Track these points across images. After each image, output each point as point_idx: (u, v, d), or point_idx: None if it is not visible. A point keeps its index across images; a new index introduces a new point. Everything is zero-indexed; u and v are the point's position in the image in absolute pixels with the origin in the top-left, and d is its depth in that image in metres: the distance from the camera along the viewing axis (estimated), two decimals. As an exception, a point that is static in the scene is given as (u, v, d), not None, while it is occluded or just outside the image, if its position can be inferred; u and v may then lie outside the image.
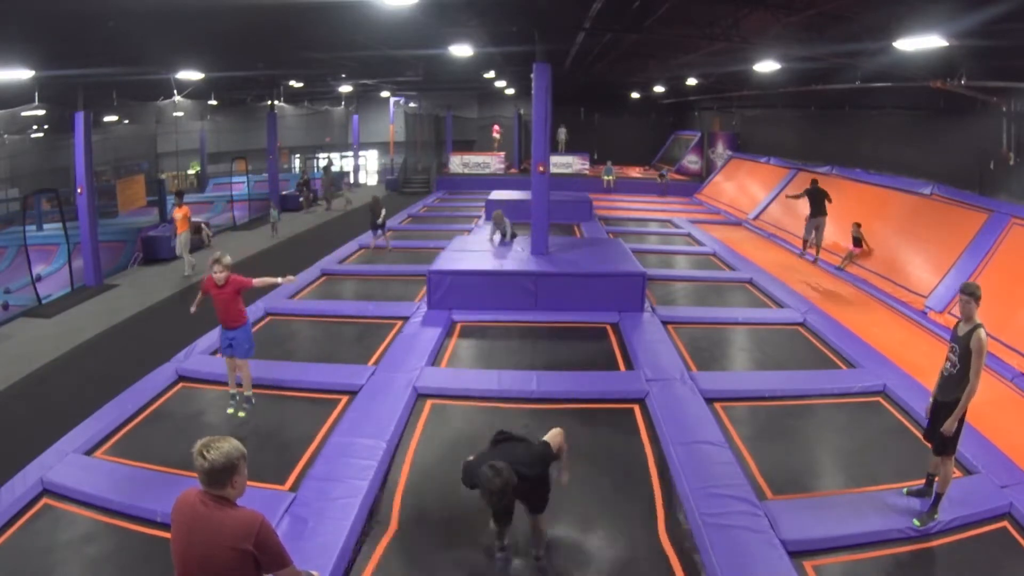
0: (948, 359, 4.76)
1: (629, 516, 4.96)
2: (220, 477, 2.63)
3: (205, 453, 2.62)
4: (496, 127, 29.33)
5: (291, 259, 13.40)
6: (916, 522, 4.74)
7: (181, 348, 8.04)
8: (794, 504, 4.99)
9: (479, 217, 18.21)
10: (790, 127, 19.56)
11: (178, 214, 12.86)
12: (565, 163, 26.78)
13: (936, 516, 4.78)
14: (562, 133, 27.77)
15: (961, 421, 4.66)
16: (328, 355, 8.14)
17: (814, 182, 13.17)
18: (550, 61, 10.37)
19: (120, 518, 4.83)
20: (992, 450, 5.67)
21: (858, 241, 12.44)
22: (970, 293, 4.60)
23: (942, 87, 9.88)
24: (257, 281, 6.01)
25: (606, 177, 24.77)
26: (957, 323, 4.76)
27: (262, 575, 2.71)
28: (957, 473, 5.51)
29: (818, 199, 12.81)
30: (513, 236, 11.84)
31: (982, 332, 4.52)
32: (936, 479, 4.89)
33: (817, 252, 13.10)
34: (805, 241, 13.41)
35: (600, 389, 7.02)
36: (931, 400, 4.92)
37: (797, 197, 13.49)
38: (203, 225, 15.83)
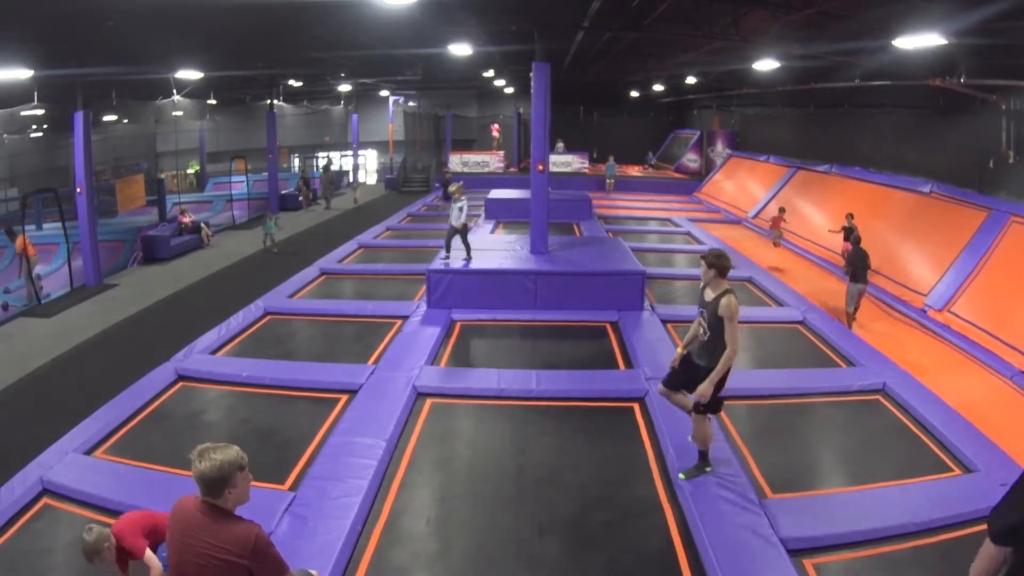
0: (700, 323, 4.88)
1: (628, 515, 4.96)
2: (213, 486, 2.57)
3: (198, 461, 2.56)
4: (495, 126, 29.31)
5: (290, 258, 13.42)
6: (682, 475, 5.08)
7: (180, 348, 8.03)
8: (794, 503, 4.99)
9: (478, 216, 18.20)
10: (789, 125, 19.58)
11: (18, 245, 11.40)
12: (564, 162, 26.78)
13: (708, 469, 5.09)
14: (560, 147, 27.49)
15: (719, 385, 4.82)
16: (328, 354, 8.14)
17: (850, 231, 10.93)
18: (549, 60, 10.37)
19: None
20: (992, 448, 5.67)
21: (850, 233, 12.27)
22: (707, 261, 4.70)
23: (941, 85, 9.88)
24: (147, 557, 3.71)
25: (609, 179, 24.11)
26: (703, 287, 4.85)
27: None
28: (956, 471, 5.53)
29: (859, 262, 9.62)
30: (466, 223, 10.05)
31: (732, 298, 4.63)
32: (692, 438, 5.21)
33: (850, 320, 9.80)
34: (848, 316, 9.70)
35: (600, 388, 7.02)
36: (679, 351, 5.09)
37: (840, 231, 12.01)
38: (203, 225, 15.85)
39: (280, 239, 16.08)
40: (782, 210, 14.77)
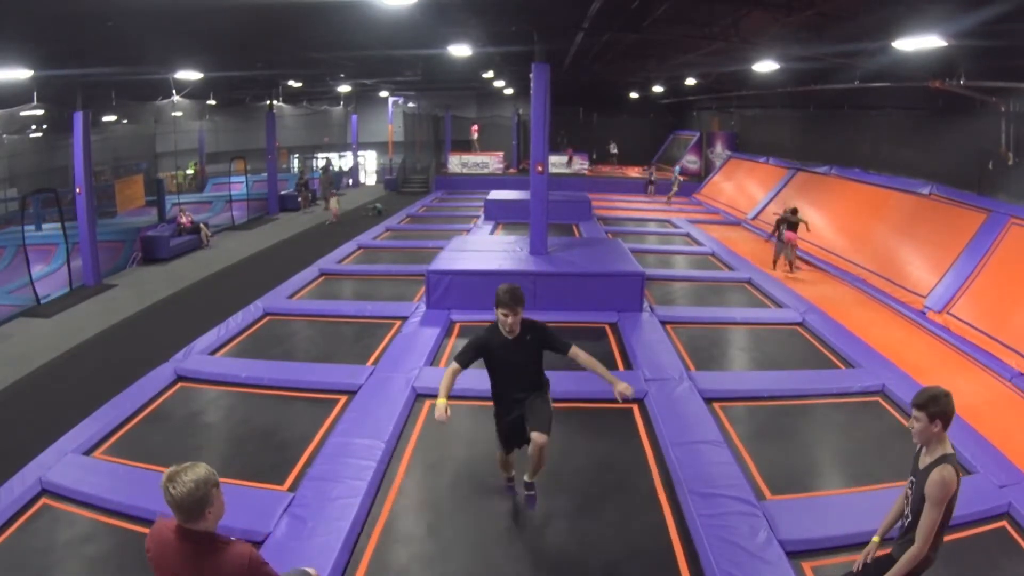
0: (904, 501, 3.44)
1: (627, 516, 4.96)
2: (192, 511, 2.44)
3: (171, 488, 2.41)
4: (475, 127, 29.21)
5: (290, 259, 13.41)
6: None
7: (180, 348, 8.02)
8: (793, 504, 4.99)
9: (478, 217, 18.21)
10: (789, 127, 19.58)
11: None
12: (564, 162, 26.79)
13: None
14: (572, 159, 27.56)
15: None
16: (327, 355, 8.13)
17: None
18: (549, 61, 10.37)
19: (119, 518, 4.82)
20: (990, 450, 5.67)
21: (794, 226, 12.18)
22: (918, 403, 3.12)
23: (941, 87, 9.89)
24: None
25: (674, 187, 22.89)
26: (919, 448, 3.30)
27: None
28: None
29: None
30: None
31: (947, 471, 3.08)
32: None
33: None
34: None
35: (599, 389, 6.94)
36: (875, 540, 3.54)
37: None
38: (202, 225, 15.84)
39: (280, 238, 16.07)
40: (795, 212, 12.44)
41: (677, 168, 24.21)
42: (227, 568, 2.48)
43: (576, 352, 4.36)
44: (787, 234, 12.27)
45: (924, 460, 3.18)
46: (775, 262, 12.49)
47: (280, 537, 4.47)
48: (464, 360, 4.37)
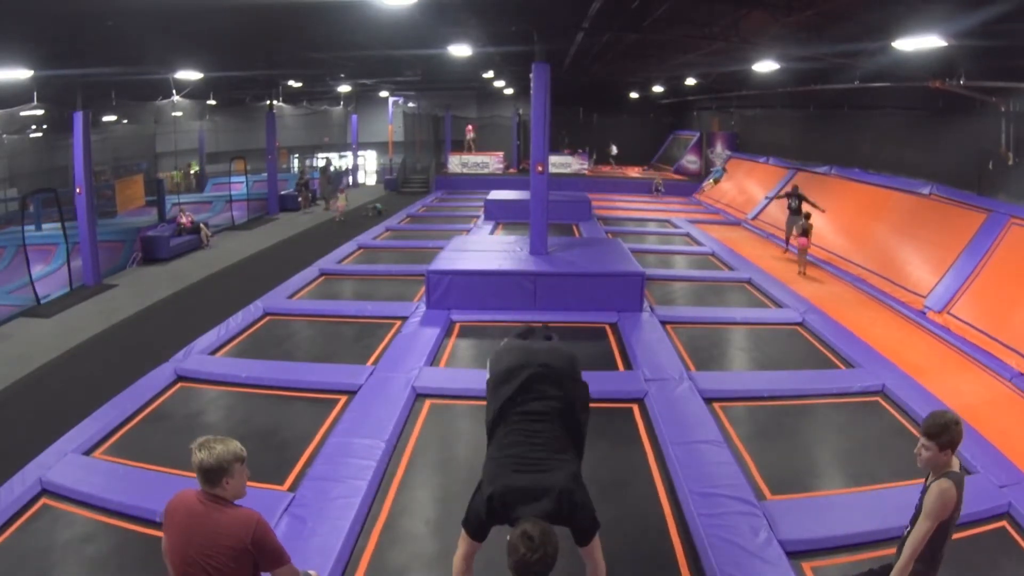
0: None
1: (627, 516, 4.96)
2: (211, 476, 2.64)
3: (199, 451, 2.66)
4: (470, 127, 29.17)
5: (290, 259, 13.41)
6: None
7: (180, 348, 8.02)
8: (793, 504, 4.99)
9: (478, 217, 18.22)
10: (789, 127, 19.58)
11: None
12: (564, 163, 26.79)
13: None
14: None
15: None
16: (327, 355, 8.13)
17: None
18: (549, 61, 10.37)
19: (119, 518, 4.82)
20: (990, 450, 5.67)
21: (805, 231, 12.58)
22: (926, 430, 3.10)
23: (941, 87, 9.89)
24: None
25: (711, 180, 22.66)
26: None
27: (260, 574, 2.72)
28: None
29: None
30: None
31: (945, 486, 3.07)
32: None
33: None
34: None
35: (599, 389, 6.96)
36: None
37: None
38: (202, 225, 15.85)
39: (280, 238, 16.06)
40: (800, 197, 13.25)
41: (711, 175, 23.55)
42: (233, 527, 2.62)
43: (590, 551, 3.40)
44: (800, 240, 12.51)
45: (931, 477, 3.21)
46: (787, 239, 13.49)
47: (280, 537, 4.45)
48: (477, 534, 3.48)
